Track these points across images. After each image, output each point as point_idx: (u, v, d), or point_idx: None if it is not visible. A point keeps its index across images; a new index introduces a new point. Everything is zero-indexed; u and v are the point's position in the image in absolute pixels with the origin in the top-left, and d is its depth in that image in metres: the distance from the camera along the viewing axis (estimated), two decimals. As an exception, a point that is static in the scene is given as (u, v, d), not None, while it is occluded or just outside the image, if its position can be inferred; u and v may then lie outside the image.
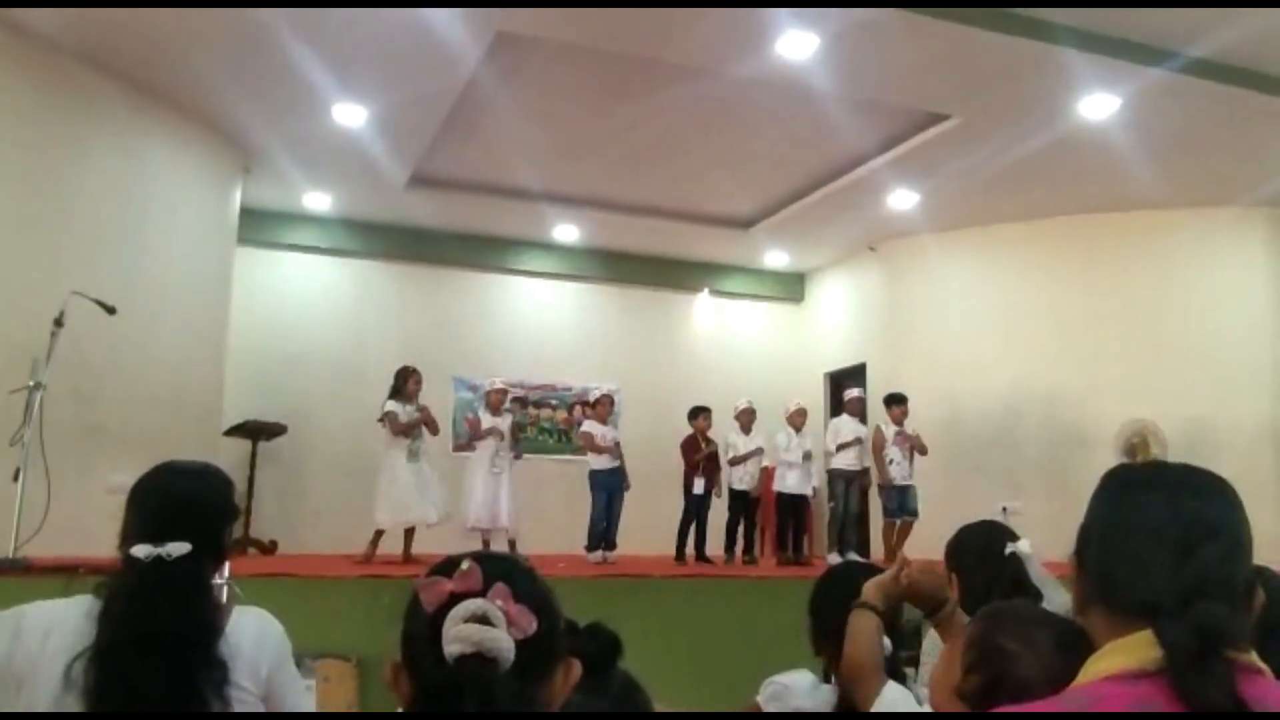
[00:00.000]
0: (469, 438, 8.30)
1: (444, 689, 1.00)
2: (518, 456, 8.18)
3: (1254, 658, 1.07)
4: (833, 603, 2.19)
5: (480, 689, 0.99)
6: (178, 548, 1.74)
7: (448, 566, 1.08)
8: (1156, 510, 1.15)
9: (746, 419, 8.80)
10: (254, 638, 1.83)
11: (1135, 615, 1.10)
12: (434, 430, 7.71)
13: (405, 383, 7.69)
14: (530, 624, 1.04)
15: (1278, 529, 4.50)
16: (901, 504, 8.46)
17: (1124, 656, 1.08)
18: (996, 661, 1.41)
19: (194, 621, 1.72)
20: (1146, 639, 1.06)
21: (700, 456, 8.49)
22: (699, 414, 8.69)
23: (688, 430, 8.73)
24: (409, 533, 7.53)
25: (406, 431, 7.50)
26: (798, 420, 8.92)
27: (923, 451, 8.56)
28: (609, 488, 8.14)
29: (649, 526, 8.53)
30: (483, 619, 1.01)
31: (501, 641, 1.01)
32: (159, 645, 1.67)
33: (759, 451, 8.67)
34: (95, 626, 1.68)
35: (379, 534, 7.48)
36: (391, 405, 7.59)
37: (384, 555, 7.54)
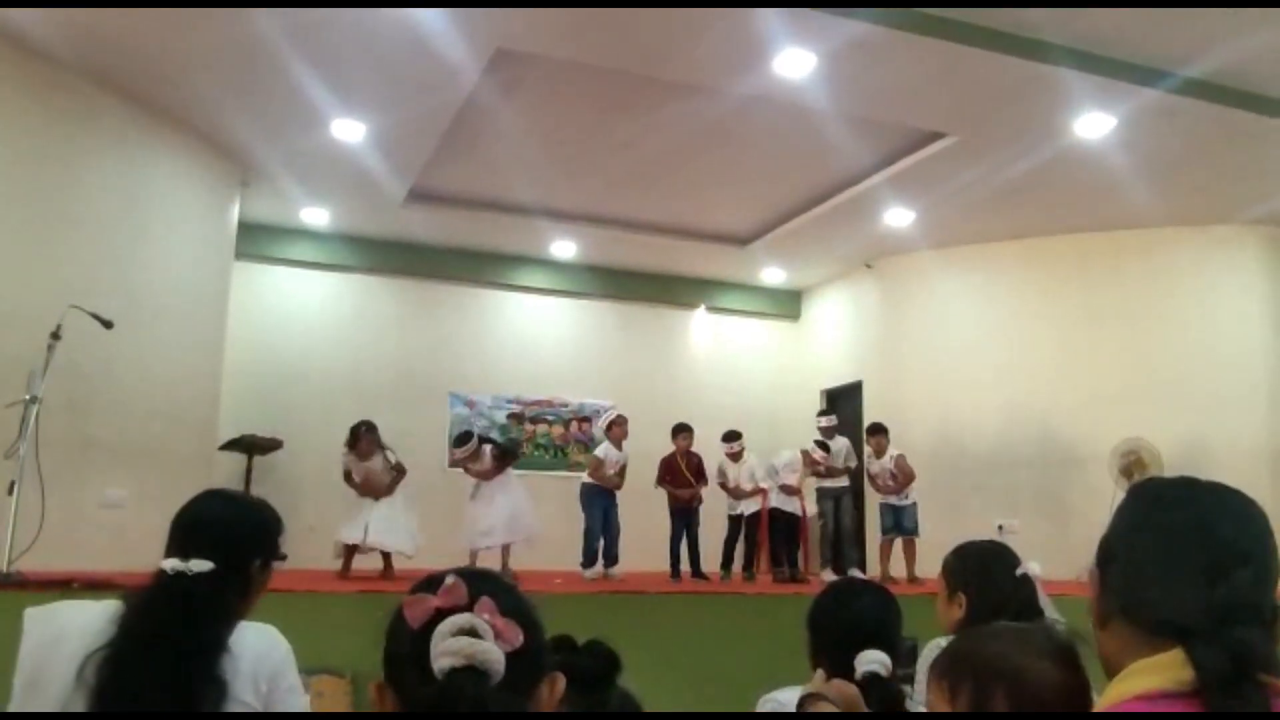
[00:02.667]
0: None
1: (435, 704, 1.00)
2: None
3: None
4: (832, 619, 2.19)
5: (472, 702, 0.99)
6: (199, 564, 1.82)
7: (431, 584, 1.08)
8: (1189, 533, 1.15)
9: (737, 452, 8.79)
10: (256, 653, 1.84)
11: (1162, 635, 1.10)
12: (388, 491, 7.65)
13: (356, 441, 7.61)
14: (517, 637, 1.04)
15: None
16: (897, 522, 8.44)
17: (1154, 677, 1.07)
18: (966, 661, 1.39)
19: (199, 637, 1.76)
20: (1176, 659, 1.06)
21: (684, 495, 8.45)
22: (680, 432, 8.61)
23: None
24: (385, 555, 7.52)
25: (359, 491, 7.52)
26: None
27: (909, 479, 8.55)
28: (603, 504, 8.11)
29: (645, 542, 8.51)
30: (470, 632, 1.02)
31: (492, 653, 1.01)
32: (163, 652, 1.71)
33: (760, 491, 8.66)
34: (114, 630, 1.74)
35: (350, 550, 7.46)
36: (348, 463, 7.60)
37: (371, 570, 7.52)
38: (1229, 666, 1.02)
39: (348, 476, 7.64)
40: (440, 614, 1.04)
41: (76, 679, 1.68)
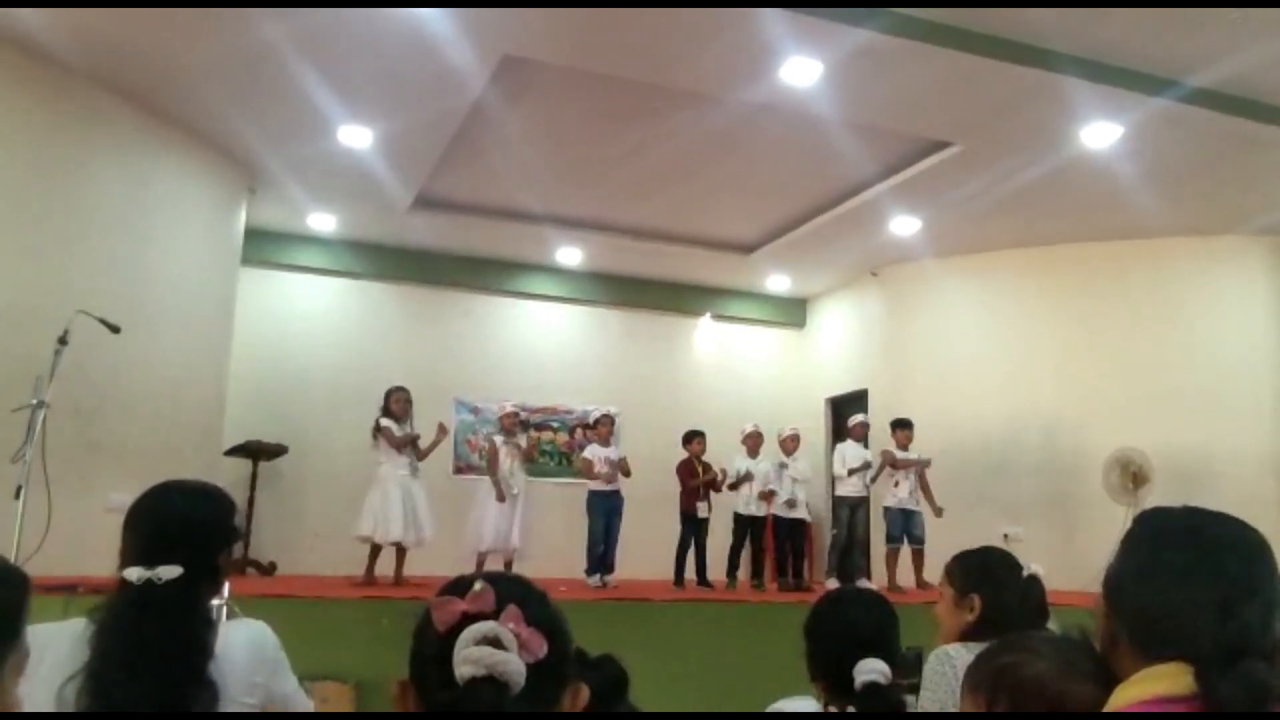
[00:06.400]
0: (487, 463, 8.33)
1: (453, 710, 1.00)
2: (529, 458, 8.23)
3: None
4: (829, 628, 2.19)
5: (490, 712, 0.99)
6: (168, 571, 1.73)
7: (460, 586, 1.07)
8: (1197, 568, 1.19)
9: (754, 443, 8.79)
10: (247, 650, 1.82)
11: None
12: (420, 456, 7.72)
13: (389, 402, 7.77)
14: (541, 647, 1.04)
15: (1280, 559, 4.48)
16: (906, 530, 8.46)
17: (1159, 683, 1.12)
18: (1008, 678, 1.38)
19: (183, 645, 1.70)
20: (1180, 668, 1.12)
21: (698, 482, 8.49)
22: (694, 438, 8.69)
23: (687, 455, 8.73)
24: (400, 553, 7.51)
25: (401, 446, 7.53)
26: (790, 446, 8.91)
27: (925, 464, 8.63)
28: (606, 510, 8.12)
29: (649, 550, 8.51)
30: (494, 641, 1.01)
31: (512, 665, 1.00)
32: (148, 669, 1.66)
33: (750, 476, 8.65)
34: (87, 649, 1.68)
35: (375, 551, 7.46)
36: (386, 421, 7.61)
37: (379, 576, 7.53)
38: (1246, 698, 1.07)
39: (389, 435, 7.59)
40: (467, 618, 1.04)
41: (56, 703, 1.64)
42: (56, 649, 1.70)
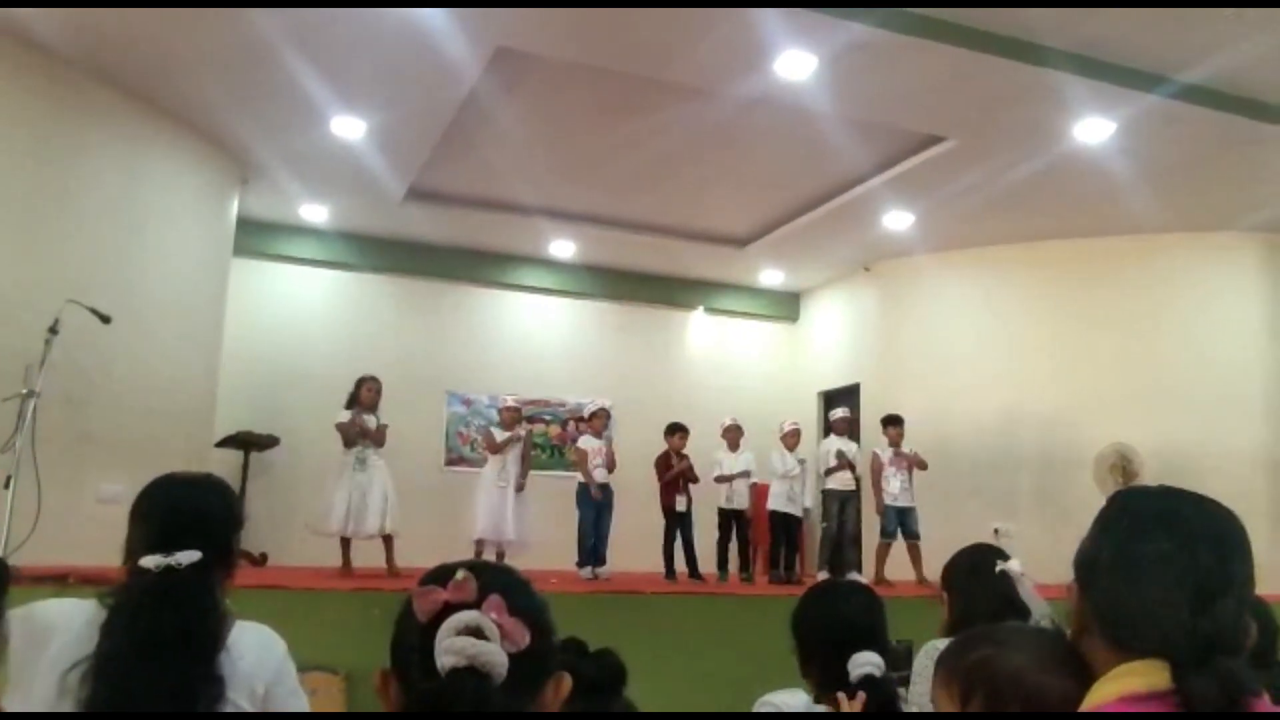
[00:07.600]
0: (485, 450, 8.34)
1: (434, 701, 0.99)
2: (523, 474, 8.15)
3: (1263, 698, 1.11)
4: (819, 622, 2.19)
5: (471, 702, 0.98)
6: (188, 556, 1.75)
7: (442, 575, 1.06)
8: (1172, 561, 1.16)
9: (733, 436, 8.78)
10: (254, 655, 1.82)
11: (1146, 657, 1.13)
12: (378, 443, 7.55)
13: (359, 390, 7.64)
14: (523, 638, 1.03)
15: (1270, 556, 4.49)
16: (903, 525, 8.44)
17: (1137, 680, 1.11)
18: (983, 672, 1.37)
19: (199, 631, 1.72)
20: (1157, 665, 1.10)
21: (671, 476, 8.45)
22: (674, 432, 8.61)
23: (678, 448, 8.72)
24: (387, 544, 7.48)
25: (348, 443, 7.45)
26: (790, 441, 8.90)
27: (922, 466, 8.53)
28: (595, 503, 8.12)
29: (641, 543, 8.50)
30: (476, 631, 1.00)
31: (494, 655, 0.99)
32: (160, 655, 1.66)
33: (745, 474, 8.63)
34: (97, 635, 1.68)
35: (343, 543, 7.42)
36: (342, 415, 7.51)
37: (372, 568, 7.51)
38: (1221, 696, 1.06)
39: (347, 428, 7.42)
40: (449, 608, 1.02)
41: (59, 687, 1.64)
42: (66, 631, 1.71)
